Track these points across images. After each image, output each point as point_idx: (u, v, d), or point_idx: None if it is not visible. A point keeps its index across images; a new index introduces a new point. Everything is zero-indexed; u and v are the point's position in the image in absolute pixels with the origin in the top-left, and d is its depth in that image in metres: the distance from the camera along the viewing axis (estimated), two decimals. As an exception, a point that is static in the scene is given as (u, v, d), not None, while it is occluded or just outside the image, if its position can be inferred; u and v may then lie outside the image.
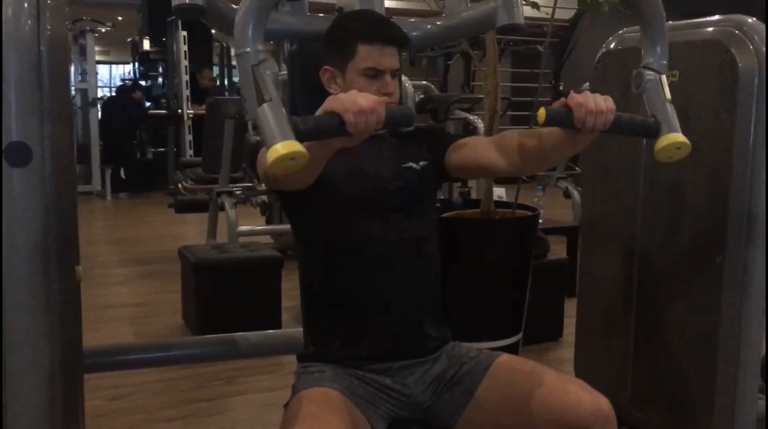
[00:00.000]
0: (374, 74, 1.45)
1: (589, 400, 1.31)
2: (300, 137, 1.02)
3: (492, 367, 1.44)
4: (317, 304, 1.52)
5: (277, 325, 3.43)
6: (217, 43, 9.65)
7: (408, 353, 1.46)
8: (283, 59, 1.68)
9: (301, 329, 1.62)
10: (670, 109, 1.38)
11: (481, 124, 5.39)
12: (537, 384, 1.36)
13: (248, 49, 1.10)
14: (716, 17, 1.98)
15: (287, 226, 5.02)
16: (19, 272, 1.16)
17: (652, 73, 1.45)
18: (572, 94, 1.25)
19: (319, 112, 1.10)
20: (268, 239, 5.37)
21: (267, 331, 1.96)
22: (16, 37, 1.10)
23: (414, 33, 1.74)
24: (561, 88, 10.45)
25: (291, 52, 1.65)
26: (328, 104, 1.08)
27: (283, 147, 0.98)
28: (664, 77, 1.44)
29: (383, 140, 1.55)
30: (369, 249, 1.45)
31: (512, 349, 2.22)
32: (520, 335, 2.28)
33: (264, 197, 5.37)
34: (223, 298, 3.29)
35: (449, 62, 9.76)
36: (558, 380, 1.36)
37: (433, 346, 1.49)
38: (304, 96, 1.64)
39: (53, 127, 1.14)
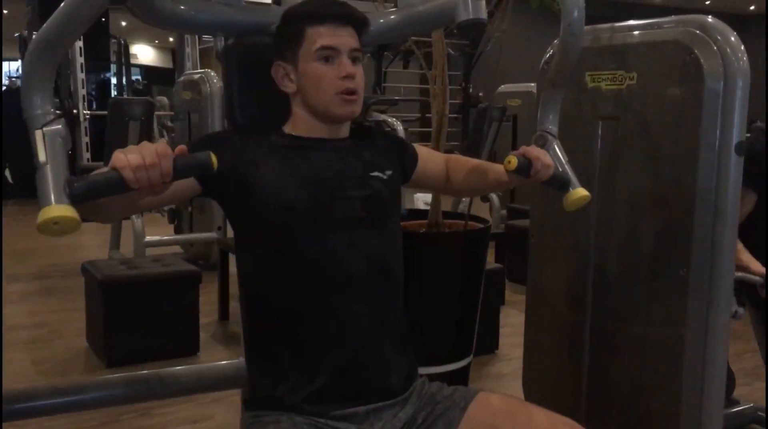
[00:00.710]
0: (328, 56, 1.31)
1: None
2: (72, 200, 1.00)
3: (470, 407, 1.28)
4: (263, 336, 1.33)
5: (195, 346, 3.18)
6: (114, 40, 9.18)
7: (374, 394, 1.28)
8: (216, 56, 1.47)
9: (236, 360, 1.51)
10: (570, 169, 1.65)
11: (400, 127, 5.27)
12: (523, 427, 1.21)
13: (36, 113, 1.08)
14: (674, 18, 1.90)
15: (199, 235, 4.82)
16: None
17: (551, 137, 1.71)
18: (526, 148, 1.43)
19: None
20: (177, 249, 5.06)
21: (199, 366, 1.74)
22: None
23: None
24: (470, 90, 10.53)
25: (226, 47, 1.44)
26: (113, 159, 1.02)
27: (49, 211, 0.97)
28: (557, 142, 1.71)
29: (343, 145, 1.37)
30: (328, 270, 1.28)
31: (462, 373, 2.07)
32: (470, 357, 2.14)
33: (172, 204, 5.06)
34: (134, 318, 3.02)
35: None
36: (547, 421, 1.21)
37: (400, 385, 1.32)
38: (243, 95, 1.44)
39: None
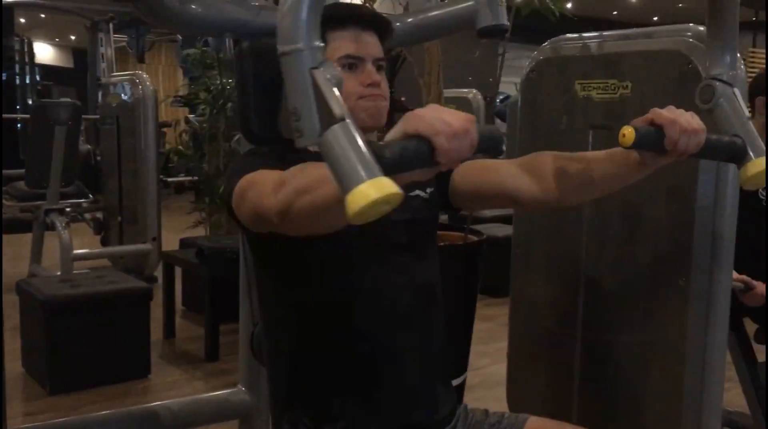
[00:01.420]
0: (352, 64, 1.23)
1: None
2: (387, 171, 0.75)
3: (522, 434, 1.22)
4: (309, 373, 1.24)
5: (146, 368, 3.00)
6: (17, 38, 8.71)
7: (425, 425, 1.20)
8: (224, 58, 1.36)
9: (235, 389, 1.49)
10: (753, 129, 1.22)
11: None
12: None
13: (301, 45, 0.78)
14: (665, 27, 1.91)
15: (132, 247, 4.59)
16: None
17: (724, 86, 1.28)
18: (657, 110, 1.08)
19: (393, 132, 0.82)
20: (105, 262, 4.81)
21: (196, 398, 1.61)
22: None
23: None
24: (393, 94, 10.54)
25: (241, 49, 1.33)
26: (411, 124, 0.82)
27: (374, 189, 0.72)
28: (737, 91, 1.28)
29: None
30: (378, 300, 1.19)
31: (458, 391, 2.01)
32: (465, 375, 2.09)
33: (100, 214, 4.81)
34: (80, 341, 2.83)
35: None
36: None
37: (447, 415, 1.25)
38: (260, 104, 1.33)
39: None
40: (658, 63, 1.87)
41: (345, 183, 0.73)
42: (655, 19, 15.37)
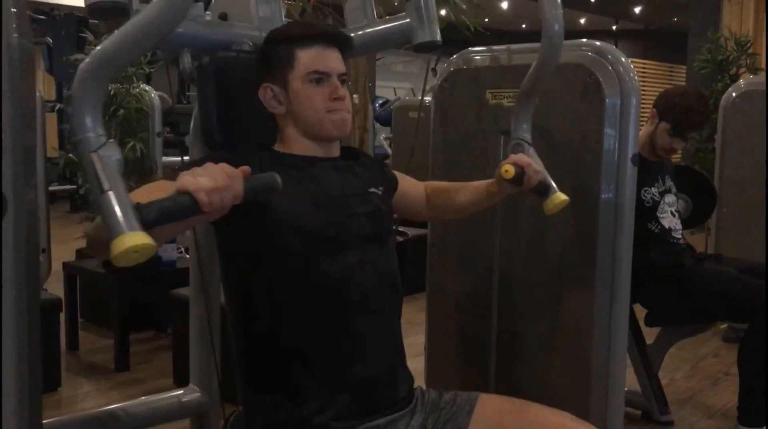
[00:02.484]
0: (319, 78, 1.36)
1: None
2: (145, 226, 0.97)
3: (476, 410, 1.37)
4: (278, 363, 1.34)
5: (57, 382, 2.96)
6: None
7: (390, 405, 1.35)
8: (183, 73, 1.44)
9: (188, 387, 1.56)
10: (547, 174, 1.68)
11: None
12: (529, 423, 1.33)
13: (88, 135, 1.02)
14: (571, 42, 2.12)
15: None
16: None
17: (527, 145, 1.79)
18: (514, 155, 1.58)
19: (171, 188, 1.02)
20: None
21: (150, 398, 1.67)
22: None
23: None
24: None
25: (202, 65, 1.42)
26: (181, 182, 1.00)
27: (127, 240, 0.94)
28: (532, 149, 1.80)
29: (340, 164, 1.41)
30: (344, 288, 1.32)
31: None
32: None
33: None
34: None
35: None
36: (552, 416, 1.35)
37: (407, 396, 1.39)
38: (221, 115, 1.43)
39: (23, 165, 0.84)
40: (563, 74, 2.07)
41: (110, 234, 0.95)
42: (524, 26, 16.18)
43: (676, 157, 4.10)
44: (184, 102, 8.85)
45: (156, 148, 4.49)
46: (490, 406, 1.39)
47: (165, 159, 4.85)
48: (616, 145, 2.01)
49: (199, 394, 1.71)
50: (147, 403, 1.68)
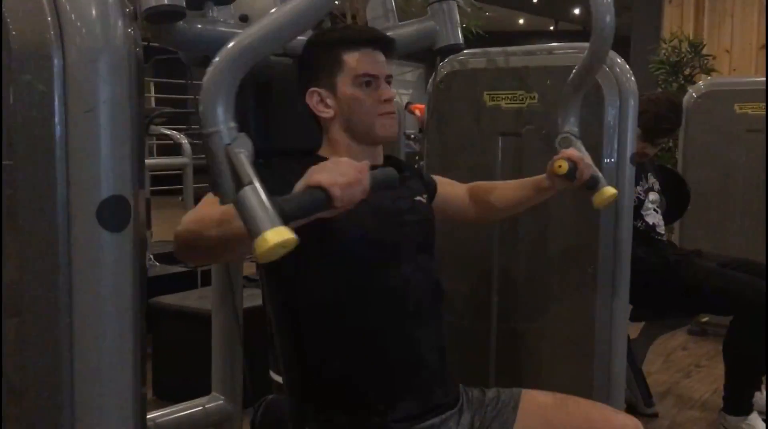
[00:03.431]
0: (369, 81, 1.40)
1: (631, 424, 1.38)
2: (285, 220, 0.98)
3: (521, 406, 1.43)
4: (335, 371, 1.37)
5: None
6: None
7: (442, 406, 1.40)
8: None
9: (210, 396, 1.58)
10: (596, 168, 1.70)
11: (185, 141, 5.14)
12: (575, 416, 1.39)
13: (220, 128, 1.00)
14: (565, 44, 2.21)
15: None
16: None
17: (575, 138, 1.81)
18: (566, 151, 1.61)
19: (300, 184, 1.05)
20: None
21: (173, 408, 1.67)
22: (110, 51, 0.79)
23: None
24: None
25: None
26: (312, 178, 1.03)
27: (273, 236, 0.95)
28: (580, 143, 1.81)
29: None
30: (402, 296, 1.36)
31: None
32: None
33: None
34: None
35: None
36: (594, 408, 1.41)
37: (455, 395, 1.44)
38: (259, 119, 1.45)
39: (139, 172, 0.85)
40: (561, 77, 2.15)
41: (253, 231, 0.96)
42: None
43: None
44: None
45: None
46: (534, 402, 1.45)
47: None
48: (616, 147, 2.10)
49: (222, 401, 1.72)
50: (172, 412, 1.68)
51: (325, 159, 1.43)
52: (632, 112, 2.11)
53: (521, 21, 15.34)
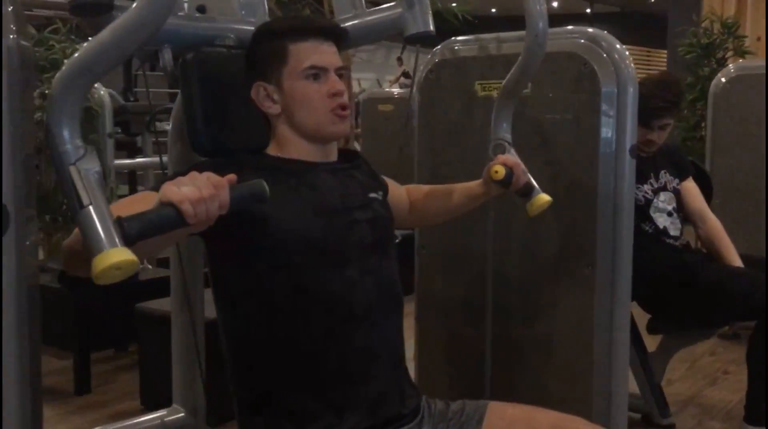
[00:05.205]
0: (316, 74, 1.38)
1: None
2: (129, 241, 0.99)
3: (486, 419, 1.41)
4: (278, 382, 1.36)
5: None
6: None
7: (397, 420, 1.38)
8: (164, 71, 1.45)
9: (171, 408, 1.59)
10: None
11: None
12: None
13: (66, 148, 1.04)
14: (559, 29, 2.17)
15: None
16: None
17: (507, 145, 1.85)
18: (502, 156, 1.67)
19: (156, 199, 1.05)
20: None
21: (131, 422, 1.67)
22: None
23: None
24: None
25: (185, 63, 1.43)
26: (164, 194, 1.02)
27: (105, 258, 0.96)
28: (513, 149, 1.85)
29: (338, 168, 1.44)
30: (348, 302, 1.34)
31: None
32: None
33: None
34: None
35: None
36: (564, 421, 1.39)
37: (414, 408, 1.42)
38: (208, 116, 1.44)
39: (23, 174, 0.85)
40: (555, 63, 2.12)
41: (90, 251, 0.97)
42: (494, 11, 16.34)
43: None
44: (131, 99, 8.77)
45: (108, 150, 4.43)
46: (500, 414, 1.43)
47: (117, 162, 4.81)
48: (614, 137, 2.06)
49: (183, 414, 1.72)
50: (129, 426, 1.68)
51: (274, 158, 1.42)
52: (631, 99, 2.07)
53: (555, 4, 15.25)
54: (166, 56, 1.46)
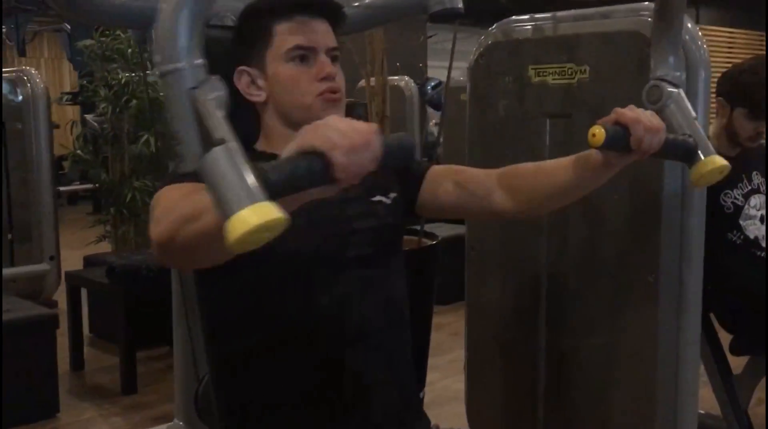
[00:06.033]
0: (303, 55, 1.24)
1: None
2: (273, 194, 0.78)
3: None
4: (266, 409, 1.25)
5: (55, 406, 2.94)
6: None
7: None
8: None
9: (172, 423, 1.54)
10: (701, 129, 1.37)
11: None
12: None
13: (182, 65, 0.84)
14: (623, 6, 1.99)
15: (27, 268, 4.45)
16: None
17: (672, 87, 1.43)
18: (619, 109, 1.20)
19: (288, 148, 0.85)
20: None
21: None
22: None
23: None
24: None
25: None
26: (306, 139, 0.85)
27: (255, 215, 0.75)
28: (682, 92, 1.43)
29: None
30: (340, 321, 1.22)
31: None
32: (423, 391, 2.13)
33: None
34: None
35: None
36: None
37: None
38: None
39: None
40: (616, 45, 1.95)
41: (225, 209, 0.76)
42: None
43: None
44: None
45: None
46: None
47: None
48: (684, 130, 1.87)
49: (182, 429, 1.63)
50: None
51: (263, 154, 1.28)
52: (703, 85, 1.87)
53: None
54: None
